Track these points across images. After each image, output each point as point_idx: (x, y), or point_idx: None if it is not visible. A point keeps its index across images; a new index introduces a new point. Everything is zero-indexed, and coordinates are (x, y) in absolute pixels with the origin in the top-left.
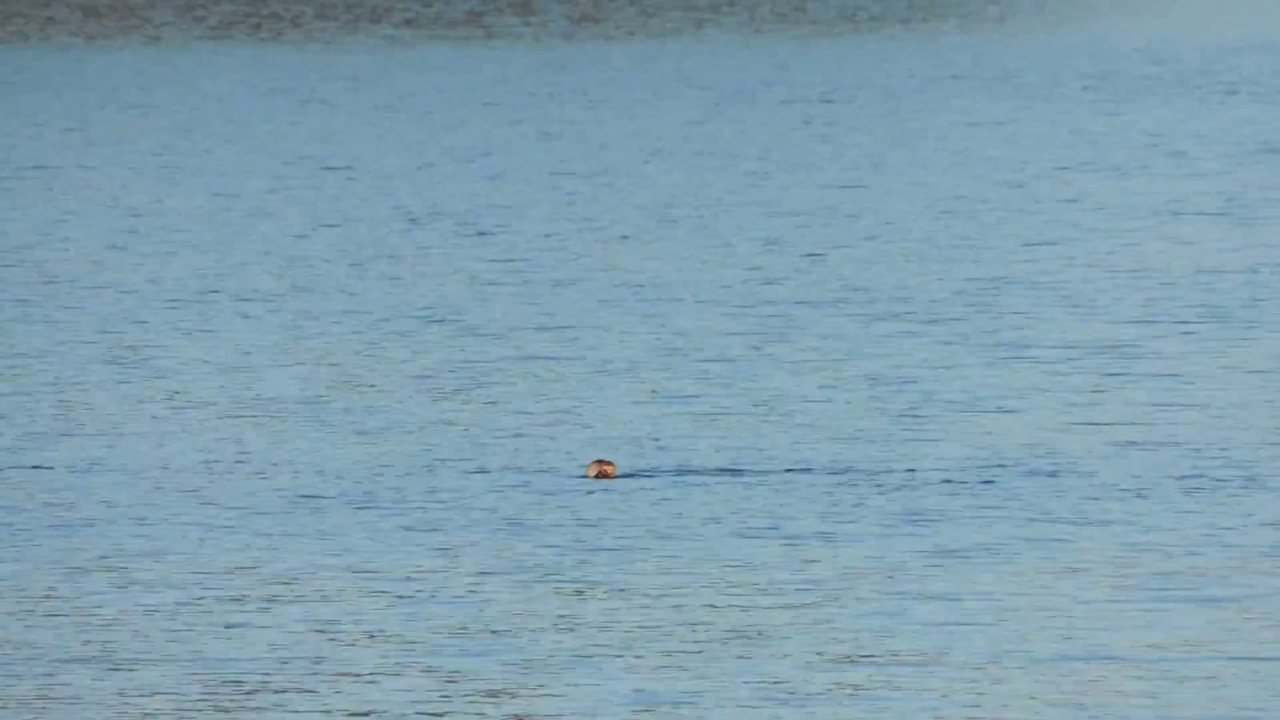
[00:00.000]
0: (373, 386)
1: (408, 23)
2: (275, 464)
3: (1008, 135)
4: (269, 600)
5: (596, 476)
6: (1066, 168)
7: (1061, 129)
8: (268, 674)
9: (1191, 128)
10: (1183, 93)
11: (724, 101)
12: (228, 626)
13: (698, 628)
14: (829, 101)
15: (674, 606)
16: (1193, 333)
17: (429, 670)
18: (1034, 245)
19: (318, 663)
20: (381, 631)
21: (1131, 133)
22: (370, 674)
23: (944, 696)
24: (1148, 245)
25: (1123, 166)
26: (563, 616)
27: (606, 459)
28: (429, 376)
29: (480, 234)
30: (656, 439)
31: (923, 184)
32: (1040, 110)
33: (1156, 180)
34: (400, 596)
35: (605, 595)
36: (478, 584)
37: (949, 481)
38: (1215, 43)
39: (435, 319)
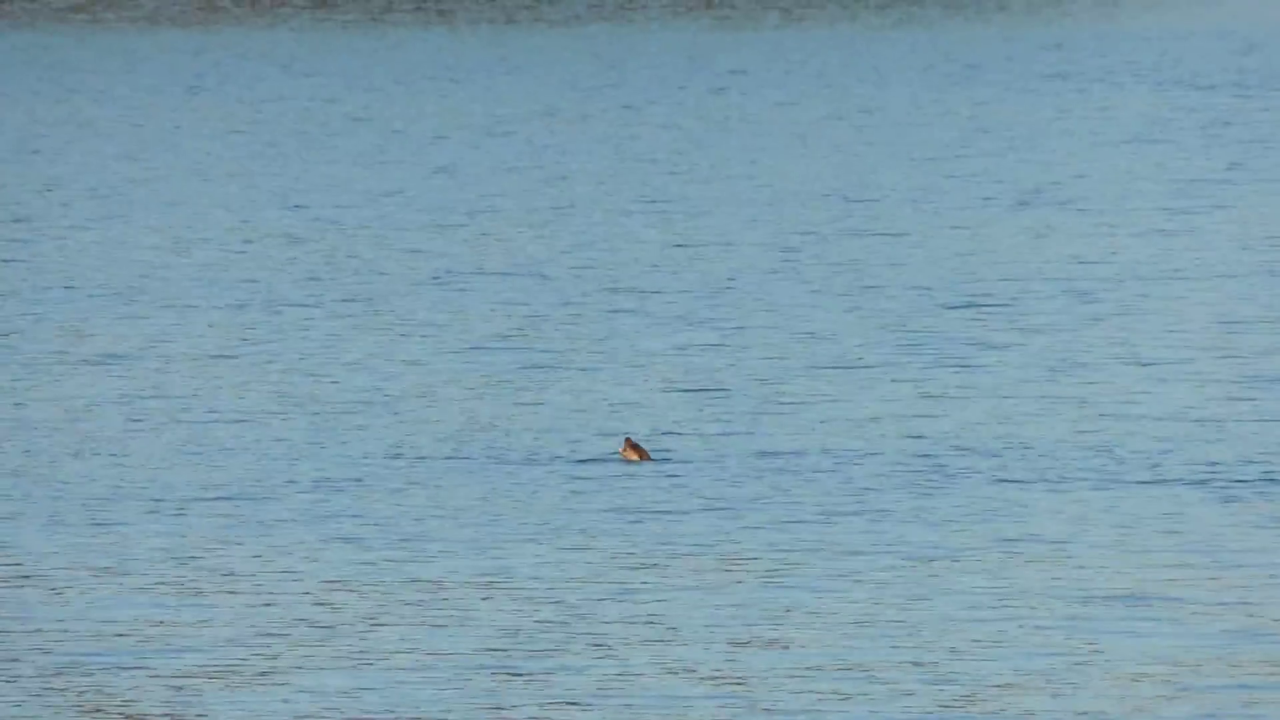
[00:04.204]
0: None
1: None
2: (263, 457)
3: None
4: (284, 589)
5: (629, 454)
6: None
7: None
8: (282, 645)
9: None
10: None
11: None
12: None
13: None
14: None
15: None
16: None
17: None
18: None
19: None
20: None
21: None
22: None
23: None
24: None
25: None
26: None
27: (632, 440)
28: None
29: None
30: (674, 426)
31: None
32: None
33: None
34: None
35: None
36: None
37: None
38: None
39: (449, 311)
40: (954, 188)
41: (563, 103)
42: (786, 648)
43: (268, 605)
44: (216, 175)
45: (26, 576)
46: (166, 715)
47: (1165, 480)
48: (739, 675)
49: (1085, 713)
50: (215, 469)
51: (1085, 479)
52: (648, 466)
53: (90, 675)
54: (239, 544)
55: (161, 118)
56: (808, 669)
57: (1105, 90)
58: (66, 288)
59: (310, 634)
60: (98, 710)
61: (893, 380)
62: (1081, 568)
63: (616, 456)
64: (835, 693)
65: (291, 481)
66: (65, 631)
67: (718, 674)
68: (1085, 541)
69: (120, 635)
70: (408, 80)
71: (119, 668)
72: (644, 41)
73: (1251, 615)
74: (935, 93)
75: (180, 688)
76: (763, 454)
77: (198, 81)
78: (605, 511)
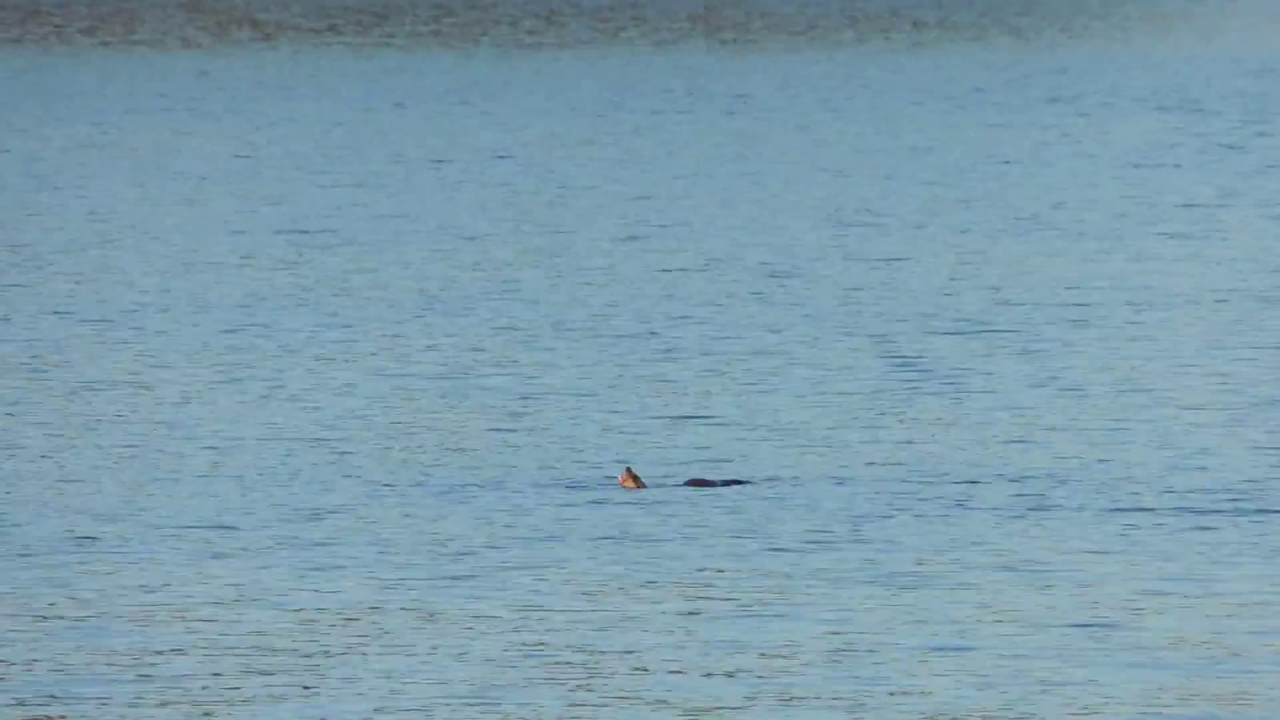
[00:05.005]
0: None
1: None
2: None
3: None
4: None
5: (630, 484)
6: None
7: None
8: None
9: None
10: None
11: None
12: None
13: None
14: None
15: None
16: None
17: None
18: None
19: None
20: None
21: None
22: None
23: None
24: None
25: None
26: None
27: (633, 470)
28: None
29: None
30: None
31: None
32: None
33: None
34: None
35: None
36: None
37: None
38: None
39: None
40: (952, 211)
41: (563, 127)
42: (761, 677)
43: (245, 635)
44: (211, 199)
45: None
46: None
47: (1142, 508)
48: (714, 706)
49: None
50: (196, 496)
51: (1067, 506)
52: (640, 494)
53: (66, 705)
54: (217, 573)
55: (160, 140)
56: (780, 699)
57: (1106, 114)
58: (54, 312)
59: (286, 663)
60: None
61: (883, 406)
62: (1061, 595)
63: (614, 484)
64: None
65: (271, 509)
66: (36, 662)
67: (694, 705)
68: (1065, 569)
69: (95, 664)
70: (408, 104)
71: (93, 698)
72: (648, 65)
73: (1222, 645)
74: (937, 116)
75: (152, 718)
76: (758, 482)
77: (197, 104)
78: (589, 540)
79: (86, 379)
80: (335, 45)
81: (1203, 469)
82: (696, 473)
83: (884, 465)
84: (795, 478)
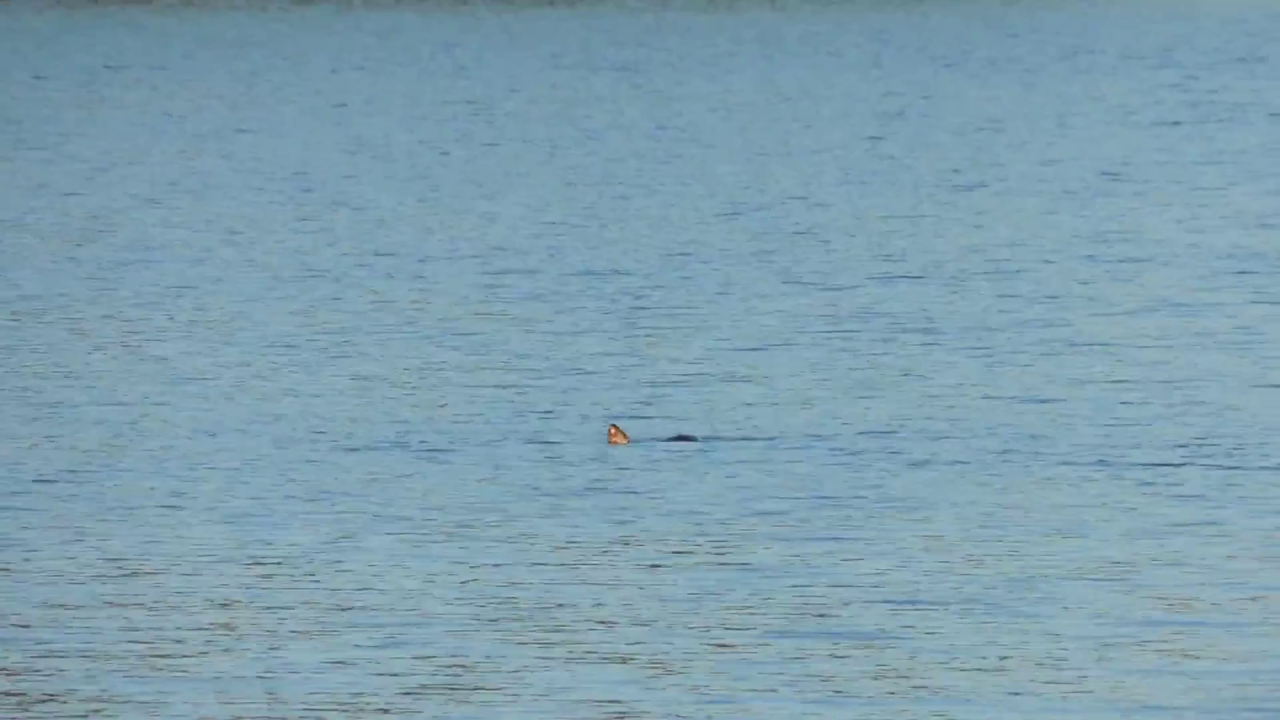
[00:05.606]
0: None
1: None
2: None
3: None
4: (287, 569)
5: (619, 439)
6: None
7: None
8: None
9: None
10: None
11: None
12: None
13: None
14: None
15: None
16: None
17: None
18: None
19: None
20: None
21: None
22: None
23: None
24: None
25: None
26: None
27: (619, 426)
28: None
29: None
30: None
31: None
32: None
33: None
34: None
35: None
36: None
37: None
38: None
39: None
40: (896, 170)
41: (554, 86)
42: (724, 629)
43: (217, 590)
44: (181, 155)
45: None
46: (90, 700)
47: (1093, 462)
48: (675, 660)
49: (1017, 692)
50: (173, 453)
51: (1039, 460)
52: (625, 449)
53: (34, 658)
54: (194, 529)
55: (133, 96)
56: (748, 651)
57: (1061, 73)
58: (41, 270)
59: (254, 618)
60: (19, 694)
61: (862, 366)
62: (1013, 549)
63: (600, 439)
64: (769, 675)
65: (245, 466)
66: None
67: (653, 658)
68: (1021, 523)
69: (62, 618)
70: (384, 62)
71: (47, 653)
72: (622, 25)
73: (1178, 597)
74: (884, 75)
75: (94, 673)
76: (717, 438)
77: (173, 61)
78: (573, 494)
79: (66, 333)
80: (318, 6)
81: (1153, 424)
82: (681, 429)
83: (862, 423)
84: (774, 435)
